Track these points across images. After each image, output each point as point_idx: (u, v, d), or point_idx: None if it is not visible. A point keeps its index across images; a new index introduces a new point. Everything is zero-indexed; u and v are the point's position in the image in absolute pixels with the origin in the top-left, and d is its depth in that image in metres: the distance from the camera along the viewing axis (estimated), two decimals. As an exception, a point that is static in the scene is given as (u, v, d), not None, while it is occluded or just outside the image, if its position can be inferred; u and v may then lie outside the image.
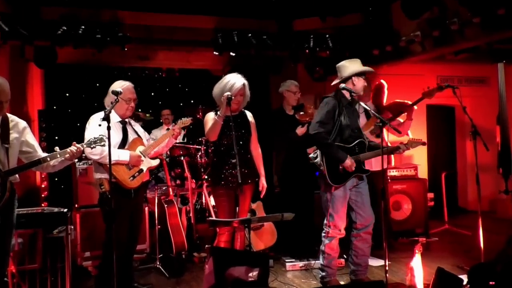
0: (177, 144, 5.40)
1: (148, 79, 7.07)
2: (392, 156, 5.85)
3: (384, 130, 4.87)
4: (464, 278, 3.42)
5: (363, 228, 3.91)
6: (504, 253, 3.57)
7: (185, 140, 6.20)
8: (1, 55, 5.57)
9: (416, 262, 3.78)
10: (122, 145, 3.73)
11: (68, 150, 3.06)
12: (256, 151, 3.97)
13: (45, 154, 3.11)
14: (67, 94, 6.72)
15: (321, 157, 3.81)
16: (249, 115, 3.97)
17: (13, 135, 3.00)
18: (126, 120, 3.84)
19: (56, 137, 6.34)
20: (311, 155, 3.95)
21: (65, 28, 5.21)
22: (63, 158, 3.09)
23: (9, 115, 3.04)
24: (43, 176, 5.70)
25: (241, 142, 3.79)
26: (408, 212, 5.73)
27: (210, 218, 5.07)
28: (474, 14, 4.50)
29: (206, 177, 5.47)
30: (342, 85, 3.87)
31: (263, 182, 3.91)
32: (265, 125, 4.74)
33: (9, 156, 2.94)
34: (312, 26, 6.22)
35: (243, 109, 3.94)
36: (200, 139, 5.59)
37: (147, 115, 5.84)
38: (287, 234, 4.91)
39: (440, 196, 6.30)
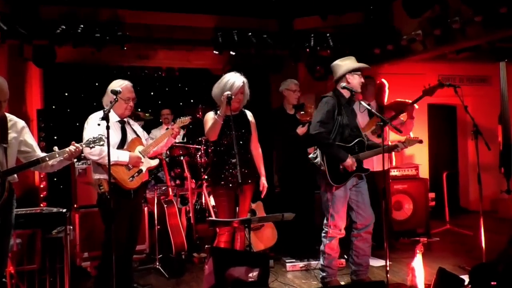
0: (176, 144, 5.38)
1: (148, 78, 7.05)
2: (393, 156, 5.83)
3: (387, 130, 4.87)
4: (466, 278, 3.43)
5: (364, 228, 3.90)
6: (506, 253, 3.56)
7: (185, 140, 6.19)
8: (-1, 54, 5.56)
9: (417, 262, 3.76)
10: (121, 145, 3.71)
11: (67, 150, 3.04)
12: (257, 150, 3.95)
13: (43, 154, 3.09)
14: (66, 94, 6.70)
15: (321, 157, 3.79)
16: (249, 114, 3.95)
17: (11, 134, 2.98)
18: (125, 119, 3.82)
19: (55, 137, 6.32)
20: (310, 156, 3.94)
21: (64, 27, 5.18)
22: (62, 158, 3.07)
23: (7, 114, 3.02)
24: (42, 176, 5.67)
25: (241, 142, 3.77)
26: (409, 212, 5.71)
27: (210, 218, 5.05)
28: (476, 13, 4.48)
29: (206, 177, 5.45)
30: (343, 84, 3.85)
31: (263, 182, 3.89)
32: (265, 124, 4.73)
33: (7, 156, 2.93)
34: (313, 25, 6.20)
35: (243, 109, 3.92)
36: (200, 138, 5.58)
37: (146, 114, 5.82)
38: (287, 234, 4.89)
39: (441, 196, 6.30)
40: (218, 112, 3.66)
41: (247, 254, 3.53)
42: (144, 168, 3.76)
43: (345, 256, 4.43)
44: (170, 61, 6.71)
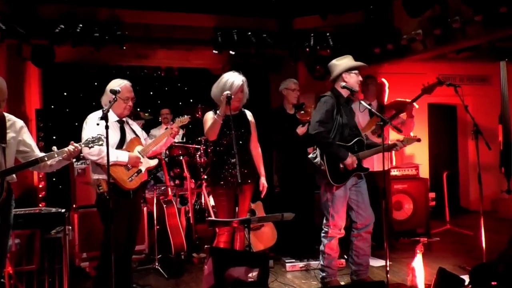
0: (176, 144, 5.37)
1: (147, 78, 7.04)
2: (394, 155, 5.82)
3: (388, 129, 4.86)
4: (466, 278, 3.42)
5: (364, 228, 3.89)
6: (506, 253, 3.55)
7: (184, 140, 6.18)
8: (-2, 54, 5.54)
9: (418, 262, 3.76)
10: (120, 145, 3.69)
11: (65, 149, 3.03)
12: (256, 150, 3.94)
13: (42, 154, 3.08)
14: (65, 93, 6.70)
15: (321, 157, 3.78)
16: (248, 114, 3.94)
17: (10, 134, 2.97)
18: (124, 119, 3.80)
19: (54, 137, 6.32)
20: (310, 156, 3.92)
21: (63, 26, 5.17)
22: (60, 158, 3.06)
23: (6, 114, 3.01)
24: (40, 176, 5.67)
25: (240, 142, 3.76)
26: (409, 212, 5.71)
27: (209, 218, 5.04)
28: (476, 12, 4.47)
29: (205, 177, 5.44)
30: (342, 83, 3.83)
31: (263, 182, 3.88)
32: (265, 124, 4.71)
33: (6, 156, 2.91)
34: (313, 25, 6.19)
35: (242, 109, 3.91)
36: (199, 138, 5.57)
37: (146, 114, 5.81)
38: (287, 234, 4.88)
39: (441, 196, 6.28)
40: (218, 111, 3.65)
41: (247, 254, 3.52)
42: (143, 168, 3.75)
43: (345, 256, 4.42)
44: (169, 61, 6.70)
